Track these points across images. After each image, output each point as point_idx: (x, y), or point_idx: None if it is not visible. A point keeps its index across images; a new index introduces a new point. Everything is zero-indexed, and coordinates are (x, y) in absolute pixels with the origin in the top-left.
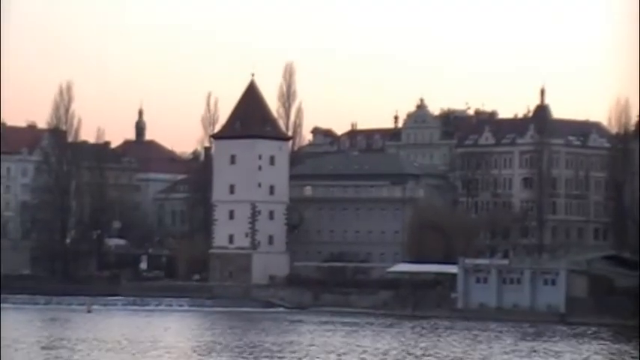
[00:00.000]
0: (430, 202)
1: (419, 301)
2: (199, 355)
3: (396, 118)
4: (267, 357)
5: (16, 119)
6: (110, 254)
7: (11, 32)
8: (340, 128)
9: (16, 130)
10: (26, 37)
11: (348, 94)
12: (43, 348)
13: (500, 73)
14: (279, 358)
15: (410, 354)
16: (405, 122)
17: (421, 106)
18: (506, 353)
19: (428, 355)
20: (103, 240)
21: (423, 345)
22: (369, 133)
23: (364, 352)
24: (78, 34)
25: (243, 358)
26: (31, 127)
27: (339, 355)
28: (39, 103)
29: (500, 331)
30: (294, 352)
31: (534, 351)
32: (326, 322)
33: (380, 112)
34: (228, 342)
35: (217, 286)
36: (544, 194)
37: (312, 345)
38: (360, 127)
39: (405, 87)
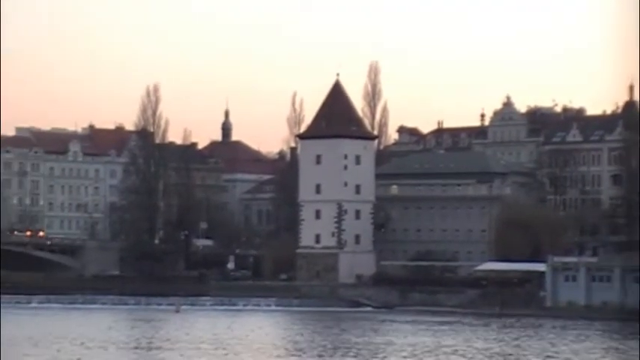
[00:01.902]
0: (517, 199)
1: (506, 300)
2: (290, 354)
3: (482, 115)
4: (365, 357)
5: (104, 121)
6: (197, 254)
7: (99, 36)
8: (426, 127)
9: (104, 132)
10: (114, 40)
11: (434, 92)
12: (136, 348)
13: (588, 69)
14: (381, 358)
15: (508, 353)
16: (492, 120)
17: (508, 104)
18: (604, 350)
19: (523, 354)
20: (190, 240)
21: (515, 343)
22: (455, 132)
23: (463, 351)
24: (164, 36)
25: (339, 358)
26: (119, 129)
27: (443, 354)
28: (127, 105)
29: (600, 330)
30: (388, 352)
31: (626, 350)
32: (414, 322)
33: (466, 110)
34: (320, 341)
35: (304, 286)
36: (633, 191)
37: (411, 345)
38: (446, 125)
39: (491, 84)
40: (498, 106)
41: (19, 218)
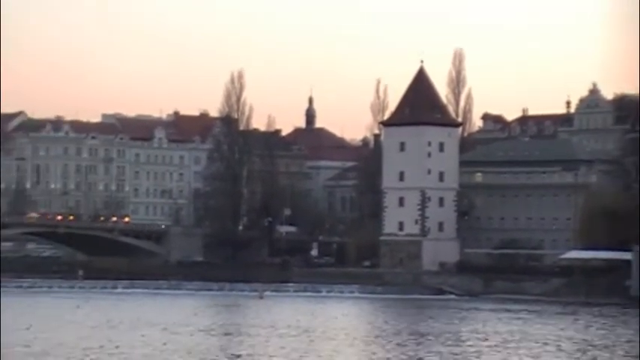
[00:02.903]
0: (603, 187)
1: (591, 289)
2: (375, 342)
3: (568, 103)
4: (451, 345)
5: (189, 108)
6: (281, 241)
7: (184, 22)
8: (511, 114)
9: (188, 118)
10: (199, 27)
11: (519, 79)
12: (221, 334)
13: None
14: (469, 345)
15: (597, 342)
16: (578, 107)
17: (594, 91)
18: None
19: (611, 343)
20: (274, 227)
21: (602, 332)
22: (541, 119)
23: (551, 340)
24: (249, 22)
25: (422, 345)
26: (204, 116)
27: (535, 343)
28: (211, 91)
29: None
30: (475, 340)
31: None
32: (499, 310)
33: (551, 97)
34: (404, 329)
35: (387, 273)
36: None
37: (498, 333)
38: (531, 112)
39: (577, 71)
40: (584, 93)
41: (105, 204)
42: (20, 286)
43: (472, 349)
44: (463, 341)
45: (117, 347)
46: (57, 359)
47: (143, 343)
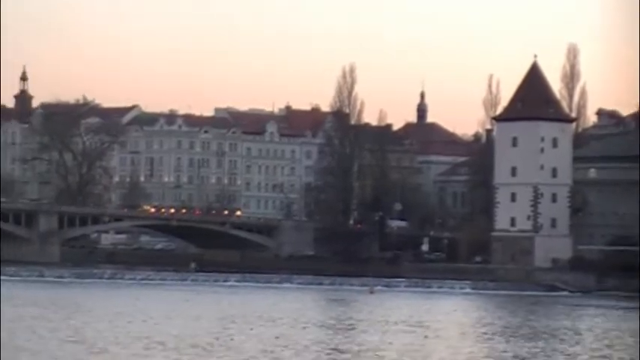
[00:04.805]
0: None
1: None
2: (490, 338)
3: None
4: (570, 343)
5: (300, 102)
6: (392, 236)
7: (296, 17)
8: (626, 109)
9: (300, 113)
10: (311, 21)
11: (635, 74)
12: (334, 328)
13: None
14: (588, 342)
15: None
16: None
17: None
18: None
19: None
20: (384, 221)
21: None
22: None
23: None
24: (361, 17)
25: (540, 341)
26: (315, 110)
27: None
28: (323, 85)
29: None
30: (590, 338)
31: None
32: (612, 307)
33: None
34: (518, 326)
35: (499, 269)
36: None
37: (615, 330)
38: None
39: None
40: None
41: (217, 198)
42: (134, 279)
43: (593, 347)
44: (583, 338)
45: (232, 340)
46: (176, 351)
47: (255, 336)
